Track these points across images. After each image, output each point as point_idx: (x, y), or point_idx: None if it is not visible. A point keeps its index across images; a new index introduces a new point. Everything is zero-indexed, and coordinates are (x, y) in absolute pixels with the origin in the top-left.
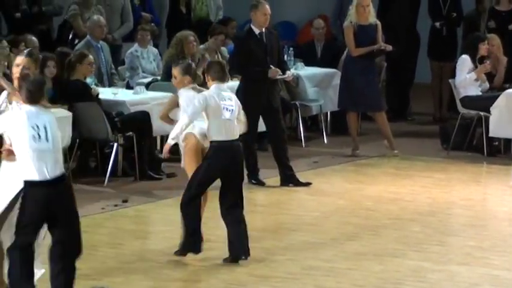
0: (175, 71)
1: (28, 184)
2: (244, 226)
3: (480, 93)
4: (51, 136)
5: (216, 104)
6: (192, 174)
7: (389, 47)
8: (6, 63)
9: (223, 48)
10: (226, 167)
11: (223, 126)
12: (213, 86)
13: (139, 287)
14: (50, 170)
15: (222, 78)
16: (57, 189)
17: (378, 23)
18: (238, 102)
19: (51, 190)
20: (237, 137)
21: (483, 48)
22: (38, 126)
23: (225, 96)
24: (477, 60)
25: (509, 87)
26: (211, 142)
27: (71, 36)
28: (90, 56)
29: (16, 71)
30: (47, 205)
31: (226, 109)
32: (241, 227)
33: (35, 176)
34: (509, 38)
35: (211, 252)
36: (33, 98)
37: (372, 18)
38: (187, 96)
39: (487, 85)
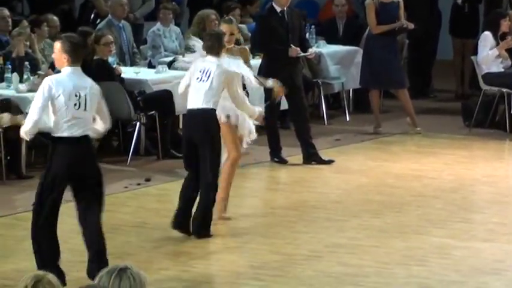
0: None
1: (57, 140)
2: None
3: (502, 70)
4: (89, 106)
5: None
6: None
7: (411, 25)
8: (28, 43)
9: (243, 26)
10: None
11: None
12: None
13: (163, 265)
14: (78, 132)
15: (209, 50)
16: (83, 147)
17: (400, 0)
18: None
19: (78, 147)
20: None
21: (504, 25)
22: (79, 95)
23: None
24: (499, 37)
25: None
26: None
27: (92, 16)
28: (108, 36)
29: None
30: (74, 161)
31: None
32: None
33: (64, 134)
34: None
35: (235, 231)
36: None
37: None
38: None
39: (509, 62)
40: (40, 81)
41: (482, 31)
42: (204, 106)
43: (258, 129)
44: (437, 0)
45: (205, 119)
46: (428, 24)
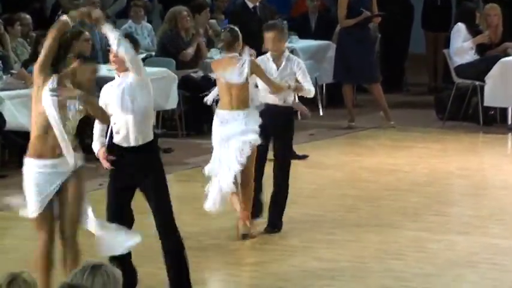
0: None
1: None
2: None
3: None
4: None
5: None
6: None
7: (378, 18)
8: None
9: (213, 21)
10: None
11: None
12: None
13: (139, 262)
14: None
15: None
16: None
17: None
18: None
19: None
20: None
21: (478, 17)
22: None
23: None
24: (474, 31)
25: (503, 56)
26: None
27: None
28: (87, 33)
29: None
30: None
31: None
32: None
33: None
34: (504, 8)
35: (208, 227)
36: None
37: None
38: None
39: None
40: (13, 80)
41: (455, 23)
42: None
43: None
44: None
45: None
46: (400, 18)
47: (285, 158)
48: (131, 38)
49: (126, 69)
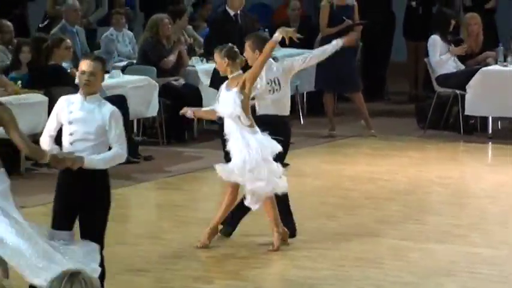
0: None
1: None
2: None
3: (455, 71)
4: None
5: None
6: None
7: (360, 27)
8: None
9: (189, 27)
10: None
11: None
12: None
13: (118, 269)
14: None
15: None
16: None
17: (355, 4)
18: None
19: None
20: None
21: (452, 25)
22: None
23: None
24: (452, 41)
25: (483, 66)
26: None
27: (46, 22)
28: (68, 40)
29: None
30: None
31: None
32: None
33: None
34: (484, 17)
35: (188, 234)
36: None
37: None
38: None
39: (462, 66)
40: None
41: (431, 32)
42: None
43: (212, 133)
44: (391, 3)
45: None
46: (382, 27)
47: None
48: (99, 58)
49: (94, 93)
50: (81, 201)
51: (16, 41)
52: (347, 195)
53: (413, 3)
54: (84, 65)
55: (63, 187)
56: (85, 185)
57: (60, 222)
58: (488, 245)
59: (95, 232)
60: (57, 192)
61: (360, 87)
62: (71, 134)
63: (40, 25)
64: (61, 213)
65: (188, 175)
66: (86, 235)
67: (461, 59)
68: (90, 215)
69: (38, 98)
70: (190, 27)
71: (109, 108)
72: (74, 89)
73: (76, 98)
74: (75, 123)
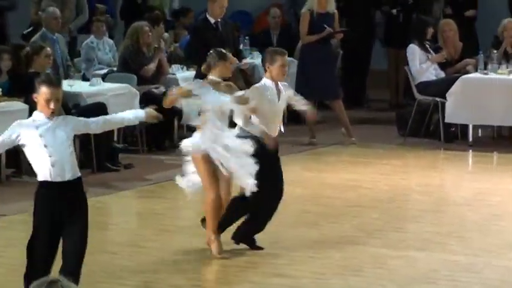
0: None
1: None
2: None
3: (435, 78)
4: None
5: None
6: None
7: (340, 35)
8: None
9: (165, 34)
10: None
11: None
12: None
13: (98, 277)
14: None
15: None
16: None
17: (336, 11)
18: None
19: None
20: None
21: (430, 32)
22: None
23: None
24: (430, 48)
25: (463, 74)
26: None
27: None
28: (48, 48)
29: None
30: None
31: None
32: None
33: None
34: (465, 24)
35: (172, 243)
36: None
37: (330, 6)
38: None
39: (442, 73)
40: None
41: (409, 40)
42: None
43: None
44: (371, 11)
45: None
46: (362, 34)
47: None
48: (60, 80)
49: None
50: (67, 213)
51: None
52: (328, 203)
53: (394, 11)
54: (53, 93)
55: (47, 202)
56: (70, 197)
57: (44, 237)
58: (468, 252)
59: (81, 243)
60: (39, 209)
61: (340, 95)
62: (50, 156)
63: (24, 32)
64: (46, 229)
65: (169, 183)
66: (71, 247)
67: (441, 66)
68: (72, 226)
69: (18, 105)
70: (166, 34)
71: (67, 121)
72: None
73: (40, 121)
74: (50, 146)
